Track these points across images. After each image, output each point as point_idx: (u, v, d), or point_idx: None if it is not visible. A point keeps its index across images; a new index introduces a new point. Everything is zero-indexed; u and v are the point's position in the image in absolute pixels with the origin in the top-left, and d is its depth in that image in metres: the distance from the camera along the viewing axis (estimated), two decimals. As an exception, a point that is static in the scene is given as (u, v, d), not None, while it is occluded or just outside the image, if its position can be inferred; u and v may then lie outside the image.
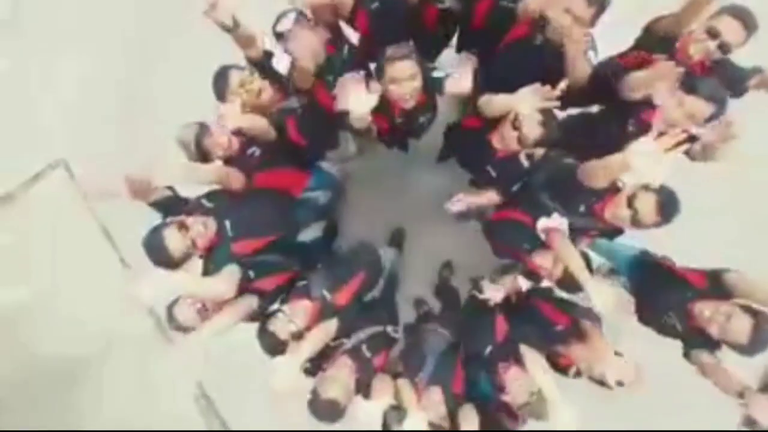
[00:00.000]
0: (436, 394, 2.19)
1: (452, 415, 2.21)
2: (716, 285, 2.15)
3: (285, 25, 2.18)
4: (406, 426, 1.98)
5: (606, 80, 2.20)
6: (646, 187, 1.92)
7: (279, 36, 2.23)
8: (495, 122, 2.11)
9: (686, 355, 2.21)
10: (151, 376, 3.76)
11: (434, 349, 2.49)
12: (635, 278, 2.59)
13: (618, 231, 2.30)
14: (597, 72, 2.18)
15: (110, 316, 3.75)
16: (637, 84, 2.11)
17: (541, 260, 2.24)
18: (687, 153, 2.06)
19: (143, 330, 3.79)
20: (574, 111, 2.55)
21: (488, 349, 2.33)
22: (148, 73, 3.87)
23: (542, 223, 2.17)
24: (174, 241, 2.01)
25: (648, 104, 2.12)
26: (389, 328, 2.55)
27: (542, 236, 2.19)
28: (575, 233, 2.24)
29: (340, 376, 2.10)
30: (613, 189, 2.01)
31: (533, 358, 2.18)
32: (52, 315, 3.85)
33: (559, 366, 2.35)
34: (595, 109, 2.54)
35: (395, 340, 2.58)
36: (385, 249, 3.04)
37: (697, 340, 2.13)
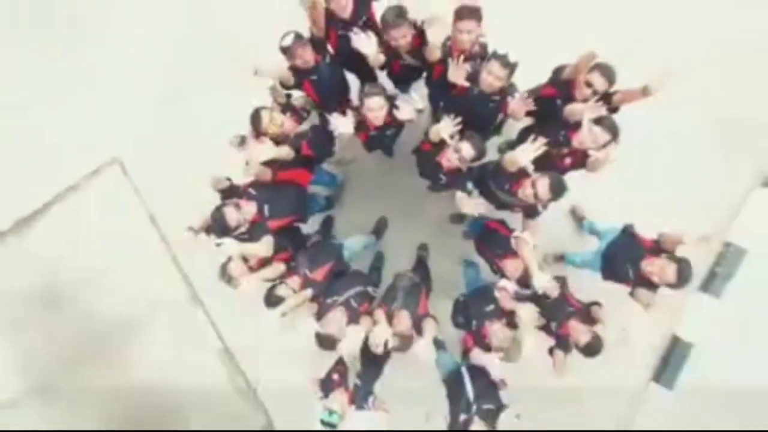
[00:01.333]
0: (404, 317, 3.13)
1: (418, 328, 3.16)
2: (657, 245, 3.11)
3: (287, 41, 3.12)
4: (374, 333, 3.01)
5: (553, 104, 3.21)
6: (542, 174, 2.86)
7: (284, 50, 3.15)
8: (441, 146, 3.05)
9: (631, 293, 3.15)
10: (183, 333, 4.75)
11: (404, 287, 3.45)
12: (612, 243, 3.50)
13: (532, 207, 3.16)
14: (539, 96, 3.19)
15: (153, 286, 4.75)
16: (572, 112, 3.04)
17: (507, 264, 3.21)
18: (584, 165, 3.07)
19: (180, 296, 4.75)
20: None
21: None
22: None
23: (514, 234, 3.13)
24: (231, 216, 3.02)
25: (574, 126, 3.05)
26: (369, 288, 3.58)
27: (513, 243, 3.12)
28: (506, 207, 3.30)
29: (336, 318, 3.09)
30: (525, 174, 2.94)
31: (529, 311, 3.02)
32: (108, 284, 4.80)
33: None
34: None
35: (374, 296, 3.62)
36: (357, 238, 4.05)
37: (643, 284, 3.08)
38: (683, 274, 2.92)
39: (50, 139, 4.88)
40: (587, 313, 3.16)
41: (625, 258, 3.22)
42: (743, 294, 4.21)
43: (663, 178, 4.27)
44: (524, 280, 3.15)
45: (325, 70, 3.33)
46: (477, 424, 2.92)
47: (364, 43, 3.05)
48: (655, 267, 2.99)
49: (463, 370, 3.27)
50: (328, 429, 2.94)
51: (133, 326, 4.82)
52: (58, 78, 4.95)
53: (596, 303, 3.25)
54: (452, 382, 3.33)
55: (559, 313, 3.17)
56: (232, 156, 3.24)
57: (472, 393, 3.08)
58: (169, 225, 4.80)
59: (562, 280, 3.33)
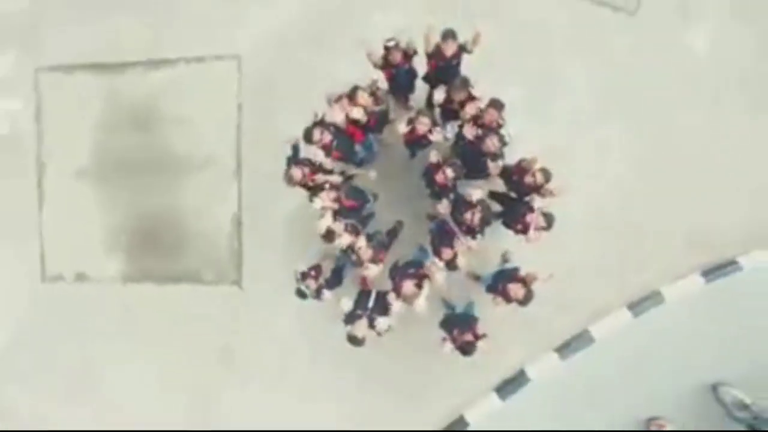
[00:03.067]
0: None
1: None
2: (523, 278, 4.83)
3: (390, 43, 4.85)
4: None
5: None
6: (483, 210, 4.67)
7: (385, 47, 4.87)
8: (438, 166, 4.69)
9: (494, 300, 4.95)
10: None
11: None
12: (500, 273, 5.16)
13: (472, 229, 4.84)
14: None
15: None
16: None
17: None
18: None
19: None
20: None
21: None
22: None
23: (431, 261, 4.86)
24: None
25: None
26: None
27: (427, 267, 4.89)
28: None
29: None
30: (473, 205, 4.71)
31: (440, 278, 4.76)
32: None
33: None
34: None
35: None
36: None
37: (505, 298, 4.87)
38: (527, 298, 4.66)
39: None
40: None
41: (502, 283, 4.88)
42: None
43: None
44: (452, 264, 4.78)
45: (402, 72, 5.04)
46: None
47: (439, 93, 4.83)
48: (514, 289, 4.68)
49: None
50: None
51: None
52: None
53: None
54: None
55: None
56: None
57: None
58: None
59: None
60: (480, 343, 4.76)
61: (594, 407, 5.93)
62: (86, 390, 6.62)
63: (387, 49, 4.84)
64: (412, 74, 5.16)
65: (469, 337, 4.76)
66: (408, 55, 4.92)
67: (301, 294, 5.04)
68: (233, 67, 6.51)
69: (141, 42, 6.62)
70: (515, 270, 4.91)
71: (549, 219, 4.69)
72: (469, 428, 6.13)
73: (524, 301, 4.69)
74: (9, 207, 6.82)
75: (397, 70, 5.01)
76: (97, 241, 6.71)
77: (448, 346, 4.87)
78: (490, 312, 5.17)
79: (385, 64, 4.96)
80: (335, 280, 5.20)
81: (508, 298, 4.75)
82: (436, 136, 4.79)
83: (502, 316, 5.27)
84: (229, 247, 6.46)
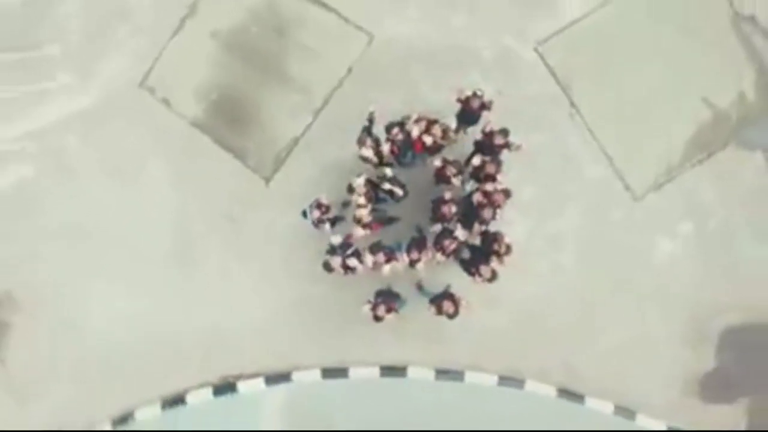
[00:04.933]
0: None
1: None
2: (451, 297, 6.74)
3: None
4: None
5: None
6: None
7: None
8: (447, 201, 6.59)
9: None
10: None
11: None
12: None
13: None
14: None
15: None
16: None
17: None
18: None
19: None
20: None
21: None
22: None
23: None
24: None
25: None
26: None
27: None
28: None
29: None
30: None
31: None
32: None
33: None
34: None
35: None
36: None
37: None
38: (454, 314, 6.54)
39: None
40: None
41: (440, 299, 6.69)
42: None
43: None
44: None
45: (473, 116, 6.82)
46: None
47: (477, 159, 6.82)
48: (447, 305, 6.53)
49: None
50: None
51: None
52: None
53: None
54: None
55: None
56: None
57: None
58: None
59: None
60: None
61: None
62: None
63: (474, 94, 6.61)
64: (477, 118, 6.89)
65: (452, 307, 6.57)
66: (484, 106, 6.70)
67: (303, 214, 6.88)
68: (364, 40, 8.23)
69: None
70: (451, 293, 6.74)
71: (494, 276, 6.54)
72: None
73: (452, 316, 6.54)
74: None
75: (471, 112, 6.78)
76: (195, 82, 8.24)
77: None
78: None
79: (465, 103, 6.71)
80: (334, 222, 6.95)
81: (440, 311, 6.59)
82: (455, 182, 6.65)
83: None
84: (279, 153, 8.12)
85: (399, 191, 6.84)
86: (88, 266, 7.97)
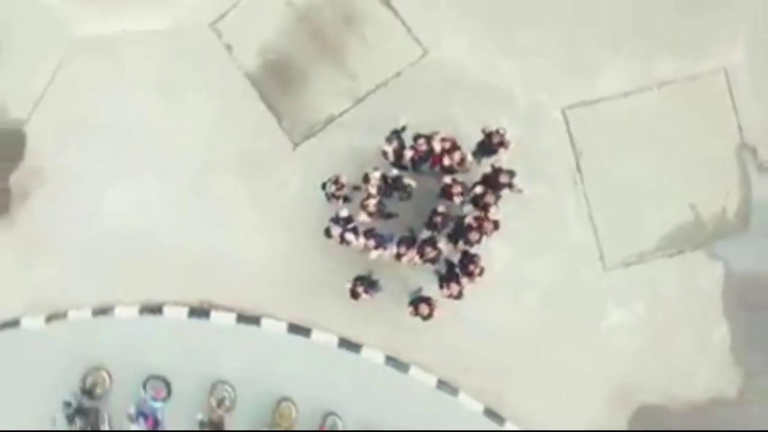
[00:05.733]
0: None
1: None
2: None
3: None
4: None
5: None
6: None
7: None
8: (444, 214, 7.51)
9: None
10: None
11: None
12: None
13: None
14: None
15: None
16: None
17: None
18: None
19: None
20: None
21: None
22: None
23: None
24: None
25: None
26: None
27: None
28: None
29: None
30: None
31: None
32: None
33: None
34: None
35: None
36: None
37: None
38: (428, 317, 7.47)
39: None
40: None
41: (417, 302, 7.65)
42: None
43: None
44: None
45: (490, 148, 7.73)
46: None
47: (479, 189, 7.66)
48: (422, 307, 7.48)
49: None
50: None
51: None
52: None
53: None
54: None
55: None
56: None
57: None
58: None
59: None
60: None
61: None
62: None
63: (497, 131, 7.53)
64: (493, 152, 7.77)
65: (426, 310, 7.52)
66: (503, 143, 7.59)
67: (323, 186, 7.74)
68: (418, 52, 8.95)
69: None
70: (429, 298, 7.66)
71: (460, 294, 7.50)
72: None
73: (426, 318, 7.48)
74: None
75: (490, 146, 7.68)
76: (260, 39, 8.97)
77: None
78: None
79: (487, 136, 7.64)
80: (345, 199, 7.78)
81: (416, 312, 7.51)
82: (456, 201, 7.55)
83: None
84: (313, 125, 8.86)
85: (406, 190, 7.69)
86: (115, 164, 8.74)
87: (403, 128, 7.68)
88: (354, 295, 7.52)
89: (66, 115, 8.75)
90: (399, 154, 7.62)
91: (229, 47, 8.99)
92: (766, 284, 8.78)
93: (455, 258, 7.80)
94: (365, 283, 7.70)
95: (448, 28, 8.99)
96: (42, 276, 8.58)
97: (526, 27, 8.92)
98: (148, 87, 8.90)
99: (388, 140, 7.58)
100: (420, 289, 7.99)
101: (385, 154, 7.71)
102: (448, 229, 7.66)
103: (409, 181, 7.62)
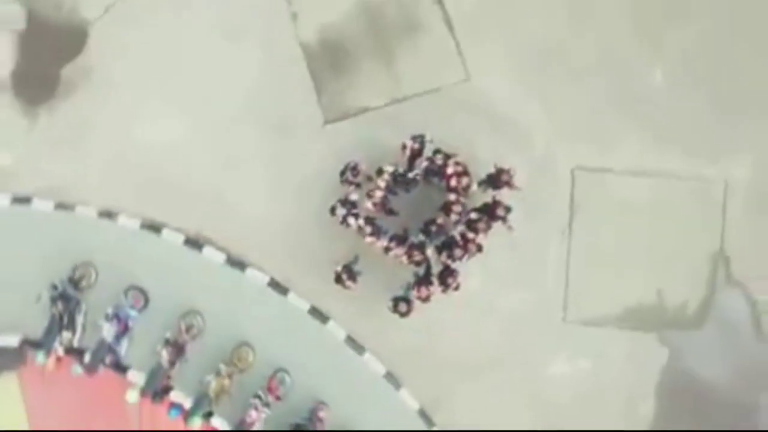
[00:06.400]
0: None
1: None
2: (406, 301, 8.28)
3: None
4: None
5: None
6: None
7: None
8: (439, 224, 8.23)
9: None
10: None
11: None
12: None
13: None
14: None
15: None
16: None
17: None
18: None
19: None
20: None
21: None
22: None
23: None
24: None
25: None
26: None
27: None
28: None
29: None
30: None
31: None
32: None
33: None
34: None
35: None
36: None
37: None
38: (406, 313, 8.25)
39: None
40: None
41: (400, 300, 8.26)
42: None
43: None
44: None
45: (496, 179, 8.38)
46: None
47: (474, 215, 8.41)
48: (403, 306, 8.23)
49: None
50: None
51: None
52: None
53: None
54: None
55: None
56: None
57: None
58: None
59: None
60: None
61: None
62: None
63: (508, 171, 8.28)
64: (497, 187, 8.47)
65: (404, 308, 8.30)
66: (510, 184, 8.35)
67: (342, 170, 8.37)
68: (461, 75, 9.63)
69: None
70: (409, 299, 8.37)
71: (427, 299, 8.33)
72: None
73: (403, 315, 8.27)
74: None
75: (497, 181, 8.40)
76: (325, 16, 9.54)
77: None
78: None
79: (498, 172, 8.39)
80: (358, 186, 8.45)
81: (395, 309, 8.31)
82: (453, 217, 8.27)
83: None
84: (348, 110, 9.46)
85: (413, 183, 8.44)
86: (158, 85, 9.37)
87: (430, 140, 8.36)
88: (338, 280, 8.25)
89: (128, 29, 9.30)
90: (415, 155, 8.33)
91: (294, 15, 9.55)
92: (696, 381, 9.49)
93: (436, 267, 8.48)
94: (348, 271, 8.41)
95: (496, 62, 9.61)
96: (63, 167, 9.18)
97: (568, 84, 9.54)
98: (206, 27, 9.47)
99: (413, 139, 8.29)
100: (409, 287, 8.63)
101: (404, 147, 8.36)
102: (438, 241, 8.33)
103: (417, 171, 8.29)
